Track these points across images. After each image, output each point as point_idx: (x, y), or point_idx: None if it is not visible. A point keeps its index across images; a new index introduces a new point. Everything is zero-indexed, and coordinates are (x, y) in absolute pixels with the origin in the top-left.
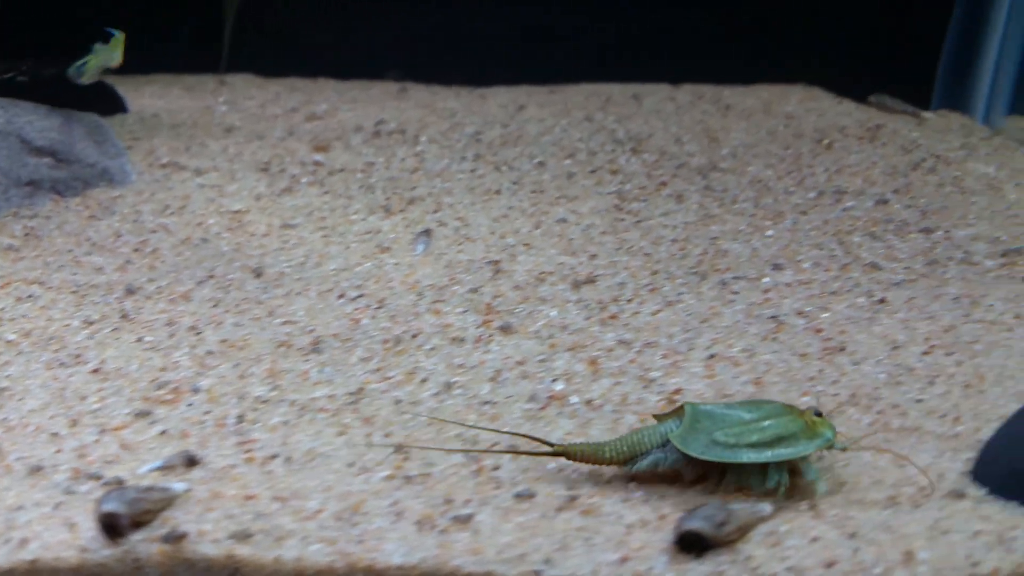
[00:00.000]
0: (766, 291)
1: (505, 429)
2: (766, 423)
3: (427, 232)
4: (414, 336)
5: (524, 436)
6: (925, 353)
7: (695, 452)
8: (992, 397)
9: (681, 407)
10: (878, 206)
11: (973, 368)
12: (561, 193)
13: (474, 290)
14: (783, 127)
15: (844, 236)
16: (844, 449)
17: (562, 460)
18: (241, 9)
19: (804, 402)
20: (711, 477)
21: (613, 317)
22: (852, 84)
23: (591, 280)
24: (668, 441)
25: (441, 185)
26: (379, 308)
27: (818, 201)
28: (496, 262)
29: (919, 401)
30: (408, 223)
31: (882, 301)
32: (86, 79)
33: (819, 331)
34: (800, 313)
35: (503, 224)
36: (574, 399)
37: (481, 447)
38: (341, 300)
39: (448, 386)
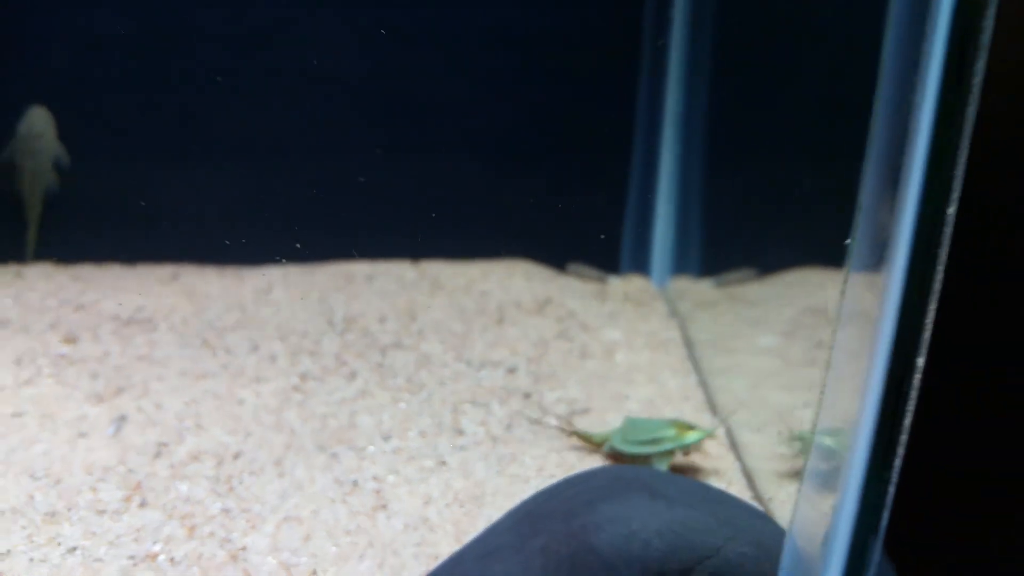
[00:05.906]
0: (363, 459)
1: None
2: (651, 431)
3: (122, 418)
4: (69, 509)
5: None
6: (447, 505)
7: (615, 445)
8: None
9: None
10: (507, 375)
11: (472, 515)
12: (256, 375)
13: (132, 470)
14: (473, 304)
15: (460, 405)
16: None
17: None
18: (51, 198)
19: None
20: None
21: (231, 489)
22: (559, 255)
23: (236, 456)
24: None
25: (158, 372)
26: (54, 487)
27: (462, 373)
28: (165, 444)
29: (418, 545)
30: (112, 410)
31: (443, 463)
32: None
33: (379, 492)
34: (375, 478)
35: (191, 408)
36: (162, 557)
37: None
38: (29, 479)
39: (74, 549)
